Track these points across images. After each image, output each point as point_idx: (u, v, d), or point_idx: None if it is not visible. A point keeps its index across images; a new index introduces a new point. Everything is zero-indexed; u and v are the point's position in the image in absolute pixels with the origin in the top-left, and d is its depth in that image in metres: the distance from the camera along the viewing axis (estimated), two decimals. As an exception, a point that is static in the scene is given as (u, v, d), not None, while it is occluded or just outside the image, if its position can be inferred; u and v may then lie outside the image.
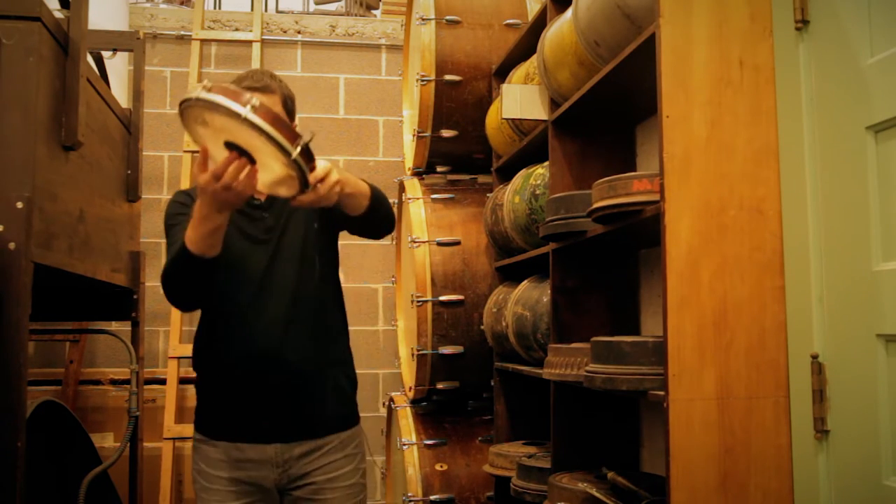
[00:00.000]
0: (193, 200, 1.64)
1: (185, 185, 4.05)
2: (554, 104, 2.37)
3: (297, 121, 1.85)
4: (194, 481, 1.84)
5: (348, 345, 1.95)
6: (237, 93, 1.39)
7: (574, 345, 1.98)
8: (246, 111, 1.37)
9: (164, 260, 1.85)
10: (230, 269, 1.76)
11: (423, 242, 3.17)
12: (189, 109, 1.44)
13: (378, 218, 1.81)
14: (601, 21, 1.91)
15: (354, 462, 1.87)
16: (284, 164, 1.43)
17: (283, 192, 1.53)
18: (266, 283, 1.79)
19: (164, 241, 4.16)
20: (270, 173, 1.49)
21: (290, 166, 1.43)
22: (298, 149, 1.41)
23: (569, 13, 2.13)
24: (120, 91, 3.42)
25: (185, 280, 1.71)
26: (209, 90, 1.39)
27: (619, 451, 2.22)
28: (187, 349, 3.63)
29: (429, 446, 3.15)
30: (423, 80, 3.22)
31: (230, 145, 1.46)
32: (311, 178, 1.47)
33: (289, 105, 1.82)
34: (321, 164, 1.50)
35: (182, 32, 4.32)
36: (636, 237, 2.02)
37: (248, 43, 4.32)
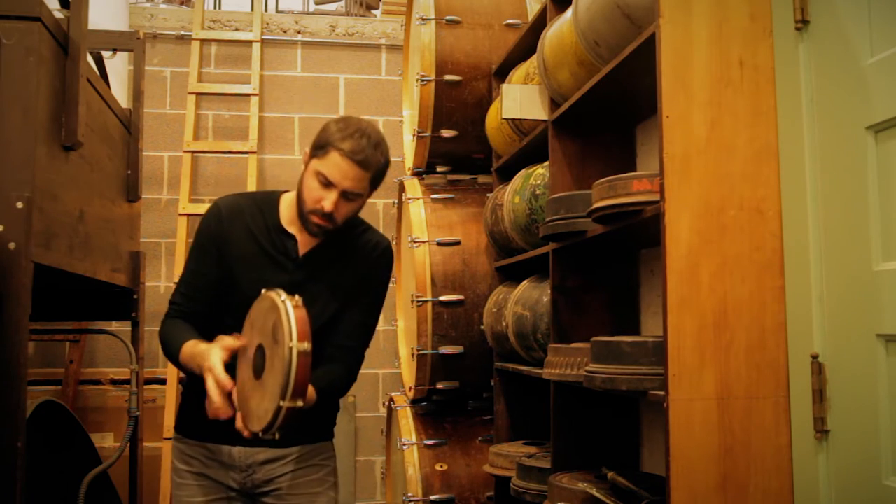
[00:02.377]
0: (221, 227, 1.75)
1: (184, 185, 4.05)
2: (554, 104, 2.37)
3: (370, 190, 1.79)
4: (171, 480, 1.87)
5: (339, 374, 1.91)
6: (306, 326, 1.47)
7: (574, 345, 1.98)
8: (294, 345, 1.45)
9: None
10: (250, 291, 1.74)
11: (423, 242, 3.17)
12: (269, 301, 1.53)
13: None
14: (601, 21, 1.91)
15: (321, 472, 1.86)
16: (273, 401, 1.47)
17: (253, 423, 1.54)
18: None
19: (164, 240, 4.20)
20: (259, 399, 1.53)
21: (272, 409, 1.47)
22: (290, 405, 1.46)
23: (569, 13, 2.13)
24: (120, 91, 3.42)
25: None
26: (297, 307, 1.49)
27: (619, 451, 2.22)
28: (187, 349, 3.63)
29: (429, 446, 3.15)
30: (423, 80, 3.22)
31: (260, 350, 1.54)
32: (271, 431, 1.50)
33: (377, 180, 1.74)
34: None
35: (182, 32, 4.32)
36: (636, 237, 2.02)
37: (248, 43, 4.32)
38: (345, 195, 1.69)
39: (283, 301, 1.50)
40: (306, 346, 1.46)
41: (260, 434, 1.50)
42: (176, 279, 3.87)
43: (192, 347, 1.65)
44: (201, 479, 1.81)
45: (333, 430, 1.94)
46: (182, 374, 3.82)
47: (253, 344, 1.58)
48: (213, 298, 1.79)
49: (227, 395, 1.54)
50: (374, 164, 1.69)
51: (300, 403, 1.46)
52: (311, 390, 1.65)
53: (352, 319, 1.83)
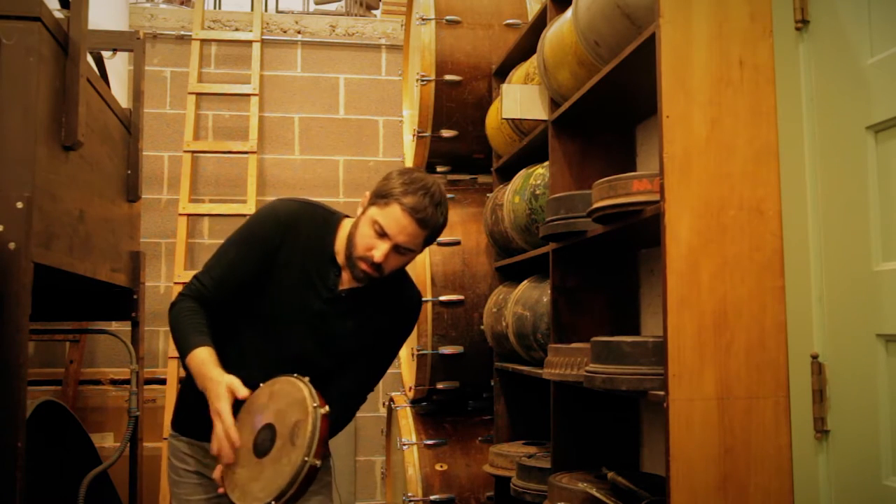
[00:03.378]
0: (279, 238, 1.72)
1: (184, 185, 4.05)
2: (554, 104, 2.37)
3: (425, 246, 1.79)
4: (168, 478, 1.87)
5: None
6: (323, 443, 1.51)
7: (574, 345, 1.98)
8: (309, 460, 1.49)
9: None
10: (277, 306, 1.76)
11: (423, 242, 3.17)
12: (301, 395, 1.55)
13: None
14: (601, 21, 1.91)
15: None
16: (266, 493, 1.51)
17: (234, 493, 1.57)
18: (292, 339, 1.77)
19: (164, 240, 4.20)
20: (250, 476, 1.55)
21: (262, 500, 1.51)
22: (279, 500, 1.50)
23: (569, 13, 2.13)
24: (120, 91, 3.42)
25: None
26: (325, 418, 1.53)
27: (619, 451, 2.22)
28: (187, 349, 3.62)
29: (429, 446, 3.15)
30: (423, 80, 3.22)
31: (269, 431, 1.56)
32: None
33: (431, 239, 1.74)
34: None
35: (182, 32, 4.32)
36: (636, 237, 2.02)
37: (248, 43, 4.32)
38: (397, 248, 1.68)
39: (314, 408, 1.52)
40: (318, 462, 1.50)
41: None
42: (176, 279, 3.88)
43: (203, 362, 1.63)
44: (199, 477, 1.81)
45: None
46: (183, 374, 3.83)
47: (265, 416, 1.58)
48: (238, 296, 1.76)
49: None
50: (432, 224, 1.68)
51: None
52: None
53: (366, 368, 1.84)
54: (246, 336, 1.76)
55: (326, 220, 1.80)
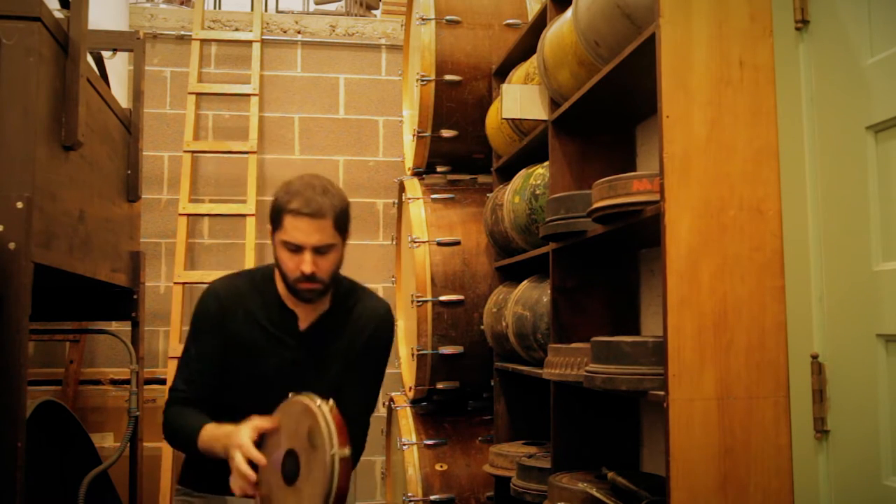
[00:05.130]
0: (221, 313, 1.72)
1: (184, 185, 4.05)
2: (554, 104, 2.37)
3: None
4: None
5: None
6: (345, 432, 1.49)
7: (574, 345, 1.98)
8: (336, 452, 1.46)
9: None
10: (256, 374, 1.76)
11: (423, 242, 3.17)
12: (301, 405, 1.53)
13: None
14: (601, 21, 1.91)
15: None
16: (312, 497, 1.49)
17: None
18: (283, 395, 1.72)
19: (164, 240, 4.20)
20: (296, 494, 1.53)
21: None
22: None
23: (569, 13, 2.13)
24: (120, 91, 3.42)
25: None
26: (333, 411, 1.50)
27: (619, 451, 2.22)
28: (187, 349, 3.62)
29: (429, 446, 3.15)
30: (423, 80, 3.22)
31: (291, 456, 1.54)
32: None
33: (341, 224, 1.69)
34: None
35: (182, 32, 4.32)
36: (636, 237, 2.02)
37: (248, 43, 4.32)
38: (317, 251, 1.66)
39: (318, 406, 1.51)
40: (346, 452, 1.47)
41: None
42: (176, 279, 3.88)
43: (214, 430, 1.63)
44: None
45: None
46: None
47: (282, 447, 1.56)
48: (216, 383, 1.76)
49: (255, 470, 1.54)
50: (329, 210, 1.65)
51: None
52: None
53: (357, 397, 1.82)
54: (240, 410, 1.71)
55: (263, 275, 1.81)
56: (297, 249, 1.66)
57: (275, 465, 1.56)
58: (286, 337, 1.77)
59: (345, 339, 1.81)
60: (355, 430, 1.79)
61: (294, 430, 1.55)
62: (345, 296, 1.82)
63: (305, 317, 1.78)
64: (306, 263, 1.65)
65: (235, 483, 1.54)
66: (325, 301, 1.79)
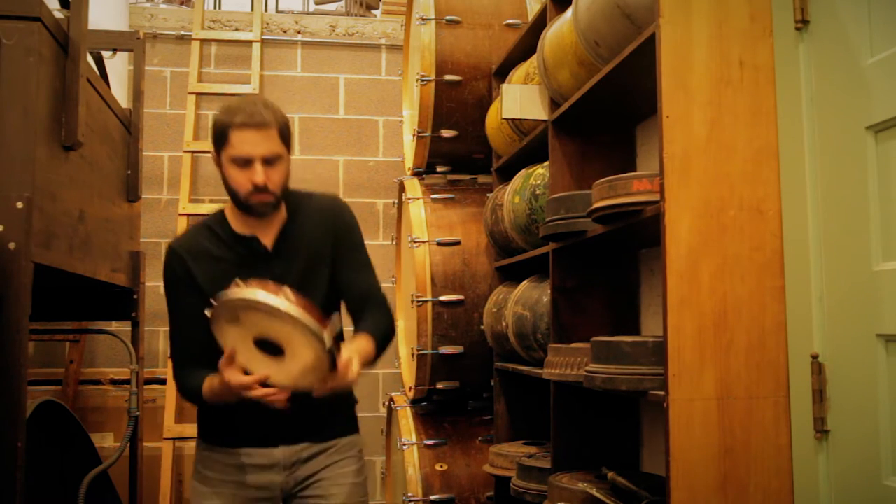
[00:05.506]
0: (185, 266, 1.75)
1: (184, 185, 4.05)
2: (554, 104, 2.37)
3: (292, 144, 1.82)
4: (192, 489, 1.84)
5: None
6: (276, 288, 1.48)
7: (574, 345, 1.98)
8: (286, 306, 1.45)
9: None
10: None
11: (423, 242, 3.17)
12: (223, 310, 1.52)
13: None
14: (601, 21, 1.91)
15: (357, 464, 1.88)
16: (317, 351, 1.49)
17: (306, 382, 1.57)
18: None
19: (164, 240, 4.20)
20: (299, 362, 1.54)
21: (323, 354, 1.49)
22: (328, 336, 1.48)
23: (569, 13, 2.13)
24: (120, 91, 3.42)
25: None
26: (238, 286, 1.50)
27: (619, 451, 2.22)
28: (187, 349, 3.63)
29: (429, 446, 3.15)
30: (423, 80, 3.22)
31: (261, 342, 1.54)
32: (340, 363, 1.52)
33: (285, 134, 1.74)
34: (344, 355, 1.56)
35: (182, 32, 4.32)
36: (636, 237, 2.02)
37: (248, 43, 4.32)
38: (266, 162, 1.69)
39: (227, 298, 1.50)
40: (287, 291, 1.47)
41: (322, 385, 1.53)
42: (176, 279, 3.88)
43: (210, 385, 1.69)
44: (240, 489, 1.79)
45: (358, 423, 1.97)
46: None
47: (244, 346, 1.57)
48: (208, 336, 1.74)
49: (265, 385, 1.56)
50: (272, 120, 1.69)
51: (328, 333, 1.48)
52: (369, 344, 1.71)
53: (364, 279, 1.87)
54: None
55: (212, 217, 1.84)
56: (246, 163, 1.68)
57: (257, 357, 1.57)
58: (258, 261, 1.78)
59: (310, 234, 1.83)
60: (370, 289, 1.88)
61: (240, 327, 1.54)
62: (297, 203, 1.83)
63: (266, 235, 1.79)
64: (258, 174, 1.68)
65: (272, 404, 1.58)
66: (281, 213, 1.81)
